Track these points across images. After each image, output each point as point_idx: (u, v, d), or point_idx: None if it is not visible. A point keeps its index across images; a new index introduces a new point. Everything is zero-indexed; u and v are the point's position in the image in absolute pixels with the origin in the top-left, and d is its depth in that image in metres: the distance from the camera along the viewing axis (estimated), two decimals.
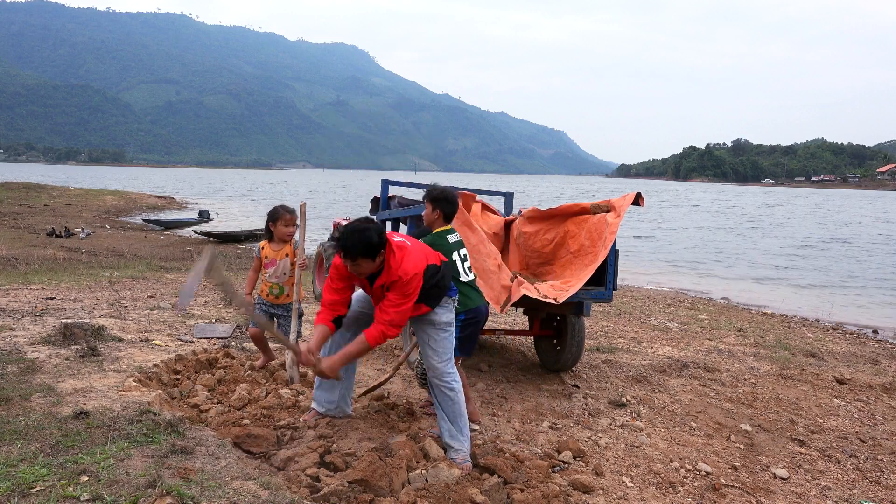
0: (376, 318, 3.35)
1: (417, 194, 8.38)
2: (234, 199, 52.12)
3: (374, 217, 4.91)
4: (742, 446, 4.46)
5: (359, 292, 3.77)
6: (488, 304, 4.51)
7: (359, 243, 3.14)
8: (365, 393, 4.53)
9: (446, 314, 3.59)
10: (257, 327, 4.70)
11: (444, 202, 4.21)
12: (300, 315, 4.73)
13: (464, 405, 3.62)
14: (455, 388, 3.59)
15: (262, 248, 4.83)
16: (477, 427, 4.23)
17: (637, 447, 4.25)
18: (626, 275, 15.54)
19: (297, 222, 4.74)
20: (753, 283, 16.18)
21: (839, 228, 35.80)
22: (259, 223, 27.32)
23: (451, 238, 4.20)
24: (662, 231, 30.98)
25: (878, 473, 4.29)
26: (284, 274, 4.77)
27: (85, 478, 2.68)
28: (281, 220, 4.72)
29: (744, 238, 28.79)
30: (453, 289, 3.68)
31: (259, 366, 4.88)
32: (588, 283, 5.17)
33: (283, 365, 5.16)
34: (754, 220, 40.51)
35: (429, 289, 3.43)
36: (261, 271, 4.87)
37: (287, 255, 4.76)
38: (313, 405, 3.85)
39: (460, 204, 5.46)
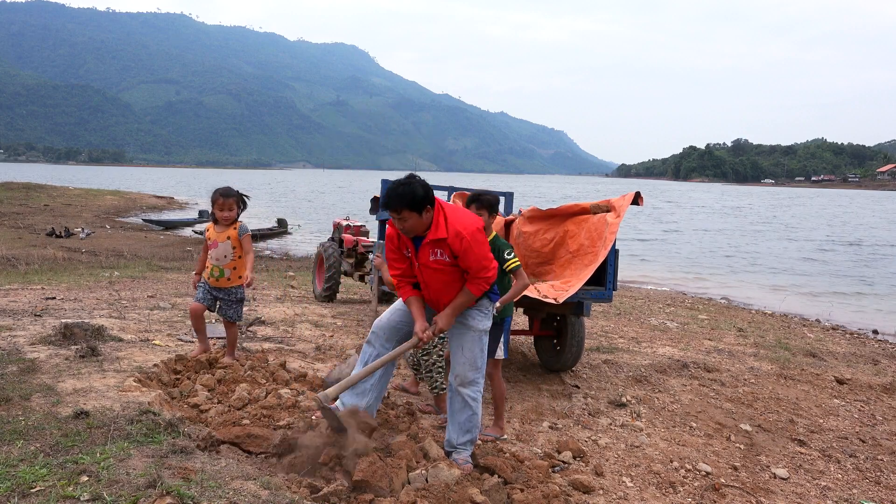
0: (471, 278, 3.33)
1: None
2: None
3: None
4: (742, 446, 4.46)
5: (397, 303, 3.69)
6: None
7: (403, 195, 3.17)
8: None
9: (484, 321, 3.51)
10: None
11: (497, 206, 4.21)
12: (241, 299, 4.89)
13: (479, 418, 3.55)
14: (476, 399, 3.50)
15: (208, 229, 4.91)
16: (506, 436, 4.20)
17: (637, 447, 4.25)
18: (653, 279, 15.36)
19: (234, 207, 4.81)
20: (796, 296, 14.59)
21: (856, 231, 34.78)
22: (259, 223, 27.34)
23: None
24: (680, 234, 30.68)
25: (878, 473, 4.29)
26: (226, 257, 4.79)
27: (85, 478, 2.68)
28: (216, 205, 4.81)
29: (775, 243, 27.35)
30: (495, 291, 3.60)
31: (193, 355, 4.81)
32: (588, 283, 5.17)
33: (283, 366, 5.16)
34: (774, 222, 39.24)
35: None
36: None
37: (229, 239, 4.79)
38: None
39: (461, 204, 5.47)
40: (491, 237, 4.02)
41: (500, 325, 4.05)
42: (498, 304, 3.74)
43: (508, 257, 3.91)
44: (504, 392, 4.26)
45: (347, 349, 5.91)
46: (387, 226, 3.54)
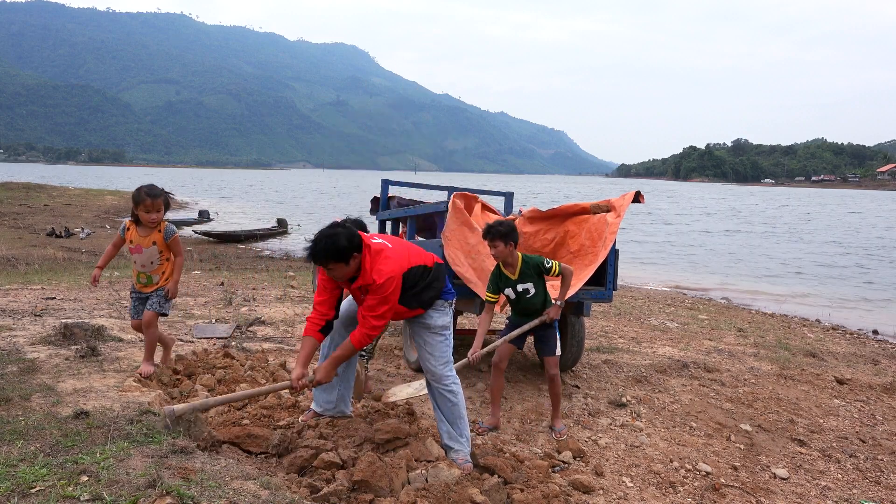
0: (359, 322, 3.35)
1: (417, 195, 8.38)
2: (234, 199, 52.13)
3: (365, 217, 4.77)
4: (742, 446, 4.46)
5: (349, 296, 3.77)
6: None
7: (327, 249, 3.16)
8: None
9: (441, 318, 3.55)
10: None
11: (514, 233, 4.22)
12: (167, 298, 4.44)
13: (463, 407, 3.60)
14: (454, 391, 3.56)
15: (128, 228, 4.40)
16: (565, 431, 4.39)
17: (637, 447, 4.25)
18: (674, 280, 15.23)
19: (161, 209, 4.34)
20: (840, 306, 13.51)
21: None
22: (259, 223, 27.34)
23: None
24: (680, 234, 30.53)
25: (878, 473, 4.29)
26: (152, 263, 4.40)
27: (85, 478, 2.68)
28: (142, 206, 4.27)
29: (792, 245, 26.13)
30: (450, 291, 3.64)
31: (144, 374, 4.37)
32: (588, 283, 5.17)
33: (284, 366, 5.16)
34: (794, 226, 37.45)
35: (420, 290, 3.42)
36: (121, 248, 4.48)
37: (155, 244, 4.37)
38: (312, 405, 3.85)
39: (462, 205, 5.47)
40: (520, 261, 4.23)
41: (552, 326, 4.33)
42: (559, 303, 4.24)
43: (549, 263, 4.22)
44: (560, 392, 4.51)
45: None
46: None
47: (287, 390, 3.72)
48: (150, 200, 4.25)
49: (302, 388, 3.38)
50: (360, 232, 3.33)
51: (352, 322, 3.67)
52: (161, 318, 4.83)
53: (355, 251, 3.22)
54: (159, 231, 4.37)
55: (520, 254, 4.25)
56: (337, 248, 3.16)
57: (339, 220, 3.52)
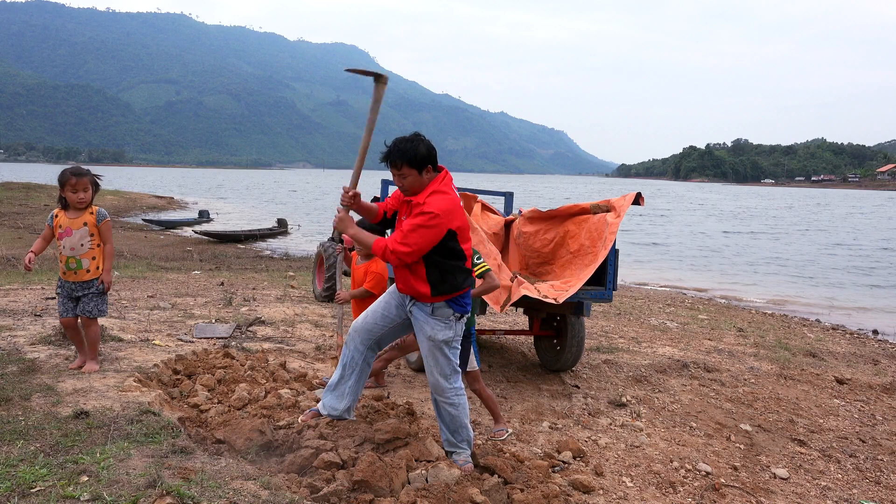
0: (387, 241, 3.24)
1: None
2: (233, 199, 52.13)
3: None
4: (742, 446, 4.46)
5: (374, 304, 3.65)
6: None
7: (405, 150, 3.18)
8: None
9: (445, 332, 3.38)
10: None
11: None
12: (103, 291, 4.38)
13: (466, 416, 3.52)
14: (455, 403, 3.47)
15: (56, 216, 4.28)
16: (511, 431, 4.28)
17: (637, 447, 4.25)
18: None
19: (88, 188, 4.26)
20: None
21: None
22: (259, 224, 27.34)
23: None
24: (680, 235, 30.56)
25: (878, 473, 4.29)
26: (83, 245, 4.26)
27: (85, 478, 2.68)
28: (68, 186, 4.19)
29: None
30: (465, 305, 3.45)
31: (74, 367, 4.35)
32: (588, 283, 5.17)
33: (284, 366, 5.16)
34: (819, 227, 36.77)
35: (442, 257, 3.25)
36: (51, 240, 4.36)
37: (85, 225, 4.25)
38: (317, 406, 3.79)
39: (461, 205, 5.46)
40: None
41: (468, 338, 4.03)
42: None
43: (479, 261, 4.08)
44: (492, 397, 4.28)
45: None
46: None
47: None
48: (76, 179, 4.20)
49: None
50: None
51: (368, 338, 3.56)
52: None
53: (431, 164, 3.22)
54: (91, 213, 4.30)
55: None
56: (416, 152, 3.17)
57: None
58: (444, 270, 3.28)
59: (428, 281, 3.29)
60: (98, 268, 4.37)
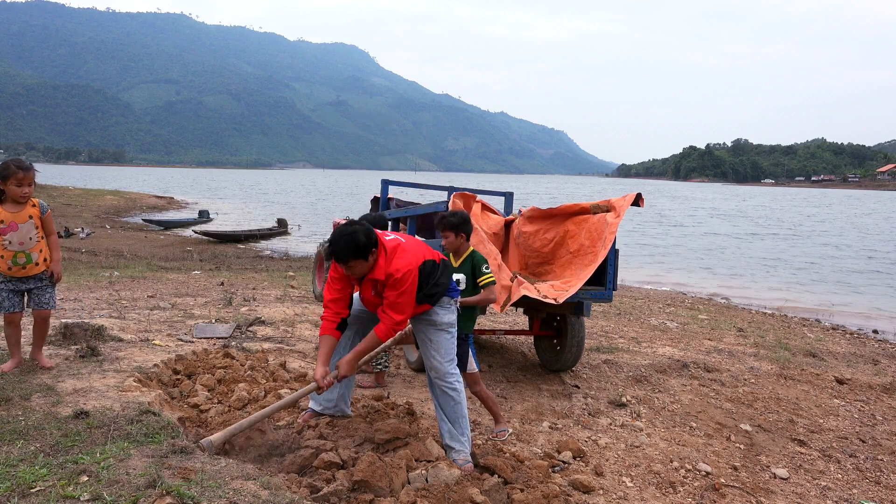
0: (381, 318, 3.38)
1: (417, 195, 8.37)
2: (233, 199, 52.13)
3: (370, 215, 4.84)
4: (742, 446, 4.46)
5: (361, 292, 3.77)
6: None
7: (347, 247, 3.19)
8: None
9: (447, 315, 3.57)
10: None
11: (466, 224, 4.22)
12: (54, 284, 4.33)
13: (465, 406, 3.60)
14: (457, 389, 3.57)
15: None
16: (511, 430, 4.29)
17: (637, 447, 4.25)
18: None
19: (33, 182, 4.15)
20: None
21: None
22: (259, 224, 27.35)
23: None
24: (682, 235, 30.55)
25: (878, 473, 4.29)
26: (31, 239, 4.16)
27: (85, 478, 2.68)
28: (13, 179, 4.05)
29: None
30: (454, 289, 3.66)
31: (7, 369, 4.22)
32: (588, 283, 5.17)
33: (284, 366, 5.16)
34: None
35: (430, 285, 3.44)
36: None
37: (31, 217, 4.16)
38: (311, 404, 3.85)
39: (461, 204, 5.47)
40: (468, 252, 4.22)
41: (465, 341, 4.06)
42: (457, 304, 3.75)
43: (486, 271, 4.14)
44: (492, 397, 4.30)
45: None
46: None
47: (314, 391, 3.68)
48: (23, 173, 4.08)
49: (328, 385, 3.42)
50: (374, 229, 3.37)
51: (356, 323, 3.70)
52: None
53: (373, 247, 3.27)
54: (33, 206, 4.21)
55: (472, 248, 4.27)
56: (357, 245, 3.19)
57: (339, 221, 3.56)
58: (429, 292, 3.47)
59: (423, 304, 3.51)
60: (46, 259, 4.29)
